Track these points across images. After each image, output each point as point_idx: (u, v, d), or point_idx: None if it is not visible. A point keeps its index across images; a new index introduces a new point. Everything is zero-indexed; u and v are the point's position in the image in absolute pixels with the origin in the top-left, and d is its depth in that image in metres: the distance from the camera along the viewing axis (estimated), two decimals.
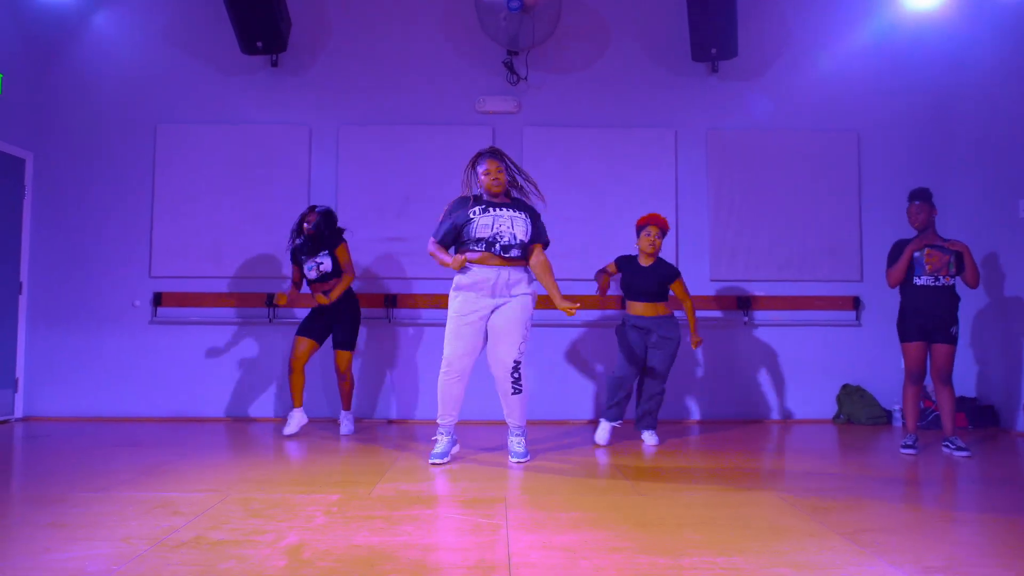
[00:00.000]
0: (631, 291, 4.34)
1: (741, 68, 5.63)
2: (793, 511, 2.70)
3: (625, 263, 4.39)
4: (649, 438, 4.32)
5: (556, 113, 5.60)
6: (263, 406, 5.38)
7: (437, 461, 3.59)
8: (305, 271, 4.66)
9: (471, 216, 3.62)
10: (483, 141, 5.52)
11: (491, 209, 3.63)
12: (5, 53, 5.24)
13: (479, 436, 4.58)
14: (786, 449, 4.28)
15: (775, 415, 5.46)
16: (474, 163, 3.70)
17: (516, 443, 3.73)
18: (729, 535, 2.39)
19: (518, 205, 3.73)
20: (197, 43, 5.58)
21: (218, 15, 5.41)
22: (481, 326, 3.63)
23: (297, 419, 4.61)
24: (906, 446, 4.07)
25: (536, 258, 3.78)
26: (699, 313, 5.46)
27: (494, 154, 3.70)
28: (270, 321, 5.39)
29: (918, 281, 4.11)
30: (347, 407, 4.77)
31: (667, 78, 5.65)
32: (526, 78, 5.55)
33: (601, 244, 5.50)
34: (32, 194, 5.46)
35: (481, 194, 3.70)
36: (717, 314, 5.49)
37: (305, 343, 4.60)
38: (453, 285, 3.70)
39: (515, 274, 3.66)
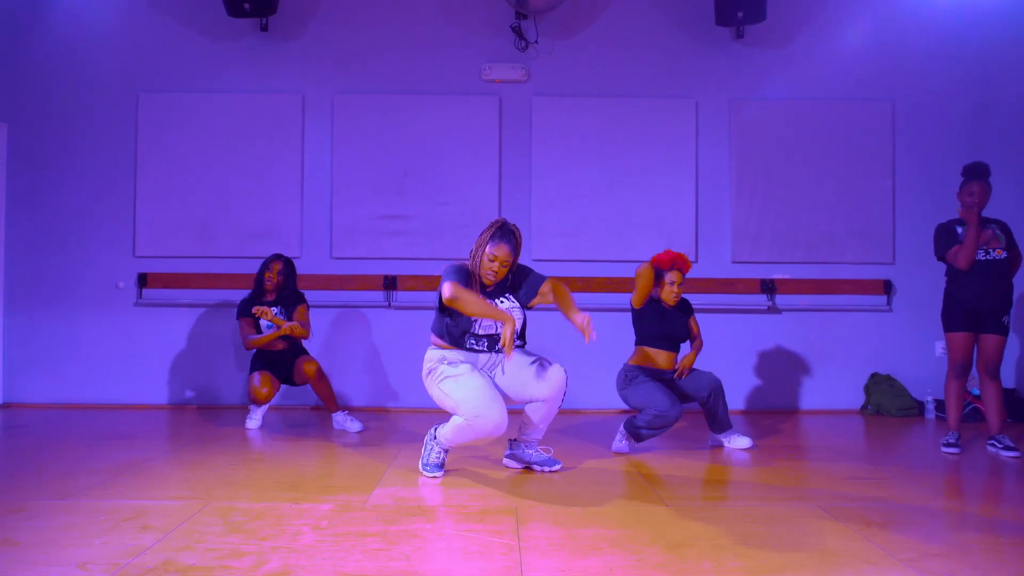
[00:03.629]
0: (654, 337, 3.75)
1: (767, 34, 5.23)
2: (843, 529, 2.38)
3: (647, 304, 3.77)
4: (737, 440, 3.75)
5: (568, 82, 5.22)
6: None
7: (438, 475, 3.09)
8: (263, 328, 4.28)
9: None
10: (489, 112, 5.15)
11: (495, 299, 3.10)
12: None
13: None
14: (817, 447, 3.96)
15: (800, 405, 5.14)
16: (490, 235, 3.04)
17: (535, 453, 3.28)
18: (776, 561, 2.08)
19: (508, 290, 3.17)
20: (181, 6, 5.19)
21: None
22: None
23: (261, 410, 4.29)
24: (948, 444, 3.75)
25: (549, 287, 3.16)
26: (719, 297, 5.14)
27: (513, 240, 3.04)
28: None
29: None
30: (336, 406, 4.28)
31: (688, 44, 5.25)
32: (536, 42, 5.16)
33: (614, 224, 5.16)
34: (7, 168, 5.11)
35: (475, 273, 3.08)
36: (739, 299, 5.14)
37: (271, 379, 4.18)
38: (431, 366, 3.09)
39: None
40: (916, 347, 5.16)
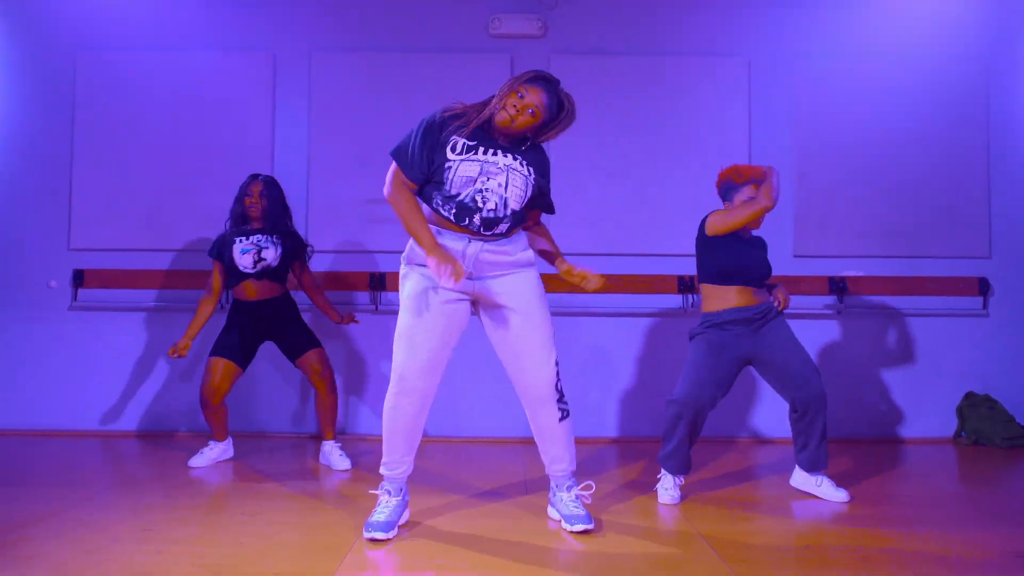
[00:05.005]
0: (726, 273, 2.88)
1: None
2: None
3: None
4: (830, 491, 2.83)
5: (592, 37, 4.31)
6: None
7: (377, 536, 2.26)
8: (237, 257, 3.36)
9: (448, 156, 2.28)
10: (498, 72, 4.25)
11: (483, 150, 2.29)
12: None
13: (481, 458, 3.38)
14: (929, 497, 3.03)
15: (879, 432, 4.20)
16: (518, 80, 2.30)
17: (568, 501, 2.45)
18: None
19: (525, 150, 2.38)
20: None
21: None
22: (456, 318, 2.36)
23: (216, 451, 3.41)
24: None
25: (534, 223, 2.58)
26: None
27: (546, 85, 2.30)
28: (223, 307, 4.17)
29: None
30: (332, 433, 3.42)
31: None
32: None
33: (648, 209, 4.25)
34: None
35: (487, 121, 2.32)
36: (802, 301, 4.20)
37: (222, 366, 3.29)
38: (403, 258, 2.43)
39: (501, 246, 2.37)
40: (1020, 360, 4.23)
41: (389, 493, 2.39)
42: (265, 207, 3.40)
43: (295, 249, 3.45)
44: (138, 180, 4.23)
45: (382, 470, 2.42)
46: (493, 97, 2.35)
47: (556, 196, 2.59)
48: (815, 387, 2.81)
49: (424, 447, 3.85)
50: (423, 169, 2.30)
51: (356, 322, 3.62)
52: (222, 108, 4.26)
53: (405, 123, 4.10)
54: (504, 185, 2.29)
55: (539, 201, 2.49)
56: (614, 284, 4.19)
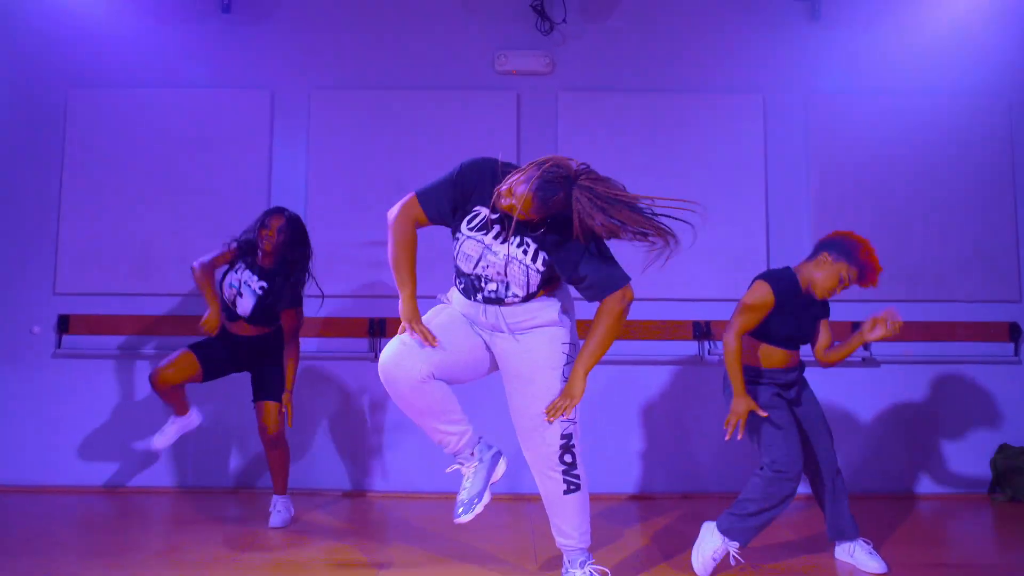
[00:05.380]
0: (777, 337, 2.66)
1: (851, 12, 4.17)
2: None
3: (787, 290, 2.63)
4: (864, 559, 2.61)
5: (601, 73, 4.17)
6: (205, 470, 3.94)
7: (462, 520, 2.21)
8: (225, 287, 3.23)
9: (461, 227, 2.17)
10: (504, 111, 4.11)
11: (495, 235, 2.14)
12: None
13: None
14: (975, 568, 2.79)
15: (906, 487, 3.96)
16: (531, 164, 2.07)
17: None
18: None
19: (542, 233, 2.13)
20: None
21: None
22: (478, 340, 2.27)
23: (176, 427, 3.29)
24: None
25: (599, 309, 2.27)
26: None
27: (545, 185, 2.01)
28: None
29: None
30: (282, 488, 3.26)
31: (754, 26, 4.18)
32: (563, 22, 4.11)
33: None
34: None
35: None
36: None
37: (189, 361, 3.15)
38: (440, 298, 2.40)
39: (523, 308, 2.21)
40: None
41: (462, 464, 2.28)
42: (278, 244, 3.18)
43: (280, 302, 3.20)
44: (128, 221, 4.06)
45: (445, 449, 2.30)
46: None
47: None
48: (822, 457, 2.67)
49: (423, 505, 3.61)
50: (442, 209, 2.17)
51: (282, 413, 3.24)
52: (217, 147, 4.10)
53: (407, 163, 4.02)
54: (503, 272, 2.16)
55: (576, 282, 2.21)
56: (625, 330, 3.97)
